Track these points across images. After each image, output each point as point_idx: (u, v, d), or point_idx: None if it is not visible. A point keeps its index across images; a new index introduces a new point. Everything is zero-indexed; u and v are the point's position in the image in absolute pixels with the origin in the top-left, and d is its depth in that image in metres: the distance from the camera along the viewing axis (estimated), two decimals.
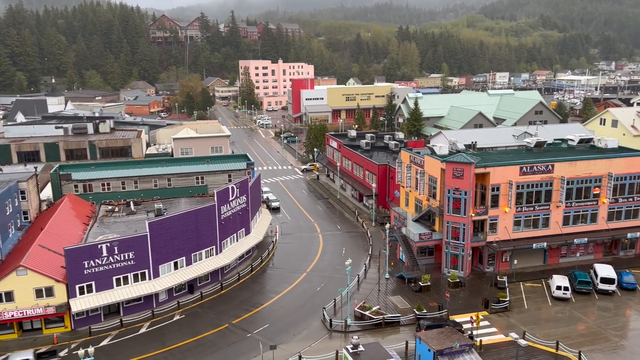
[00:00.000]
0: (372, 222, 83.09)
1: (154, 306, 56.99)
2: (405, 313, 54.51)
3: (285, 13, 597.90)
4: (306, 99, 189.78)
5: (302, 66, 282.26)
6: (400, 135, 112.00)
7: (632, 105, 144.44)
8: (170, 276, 57.48)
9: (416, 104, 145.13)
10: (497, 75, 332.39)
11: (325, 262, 69.57)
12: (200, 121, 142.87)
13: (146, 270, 55.84)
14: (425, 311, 53.89)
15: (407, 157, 71.73)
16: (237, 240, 66.64)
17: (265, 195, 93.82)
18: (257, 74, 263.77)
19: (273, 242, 76.04)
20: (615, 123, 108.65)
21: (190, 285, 60.49)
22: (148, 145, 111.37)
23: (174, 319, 55.54)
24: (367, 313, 53.56)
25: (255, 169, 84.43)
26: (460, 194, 60.45)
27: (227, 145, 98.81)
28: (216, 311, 56.83)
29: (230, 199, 64.24)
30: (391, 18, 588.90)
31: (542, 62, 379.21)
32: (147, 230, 55.27)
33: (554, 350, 47.44)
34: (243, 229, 68.06)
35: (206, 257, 61.47)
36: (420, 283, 59.84)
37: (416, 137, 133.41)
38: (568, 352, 46.97)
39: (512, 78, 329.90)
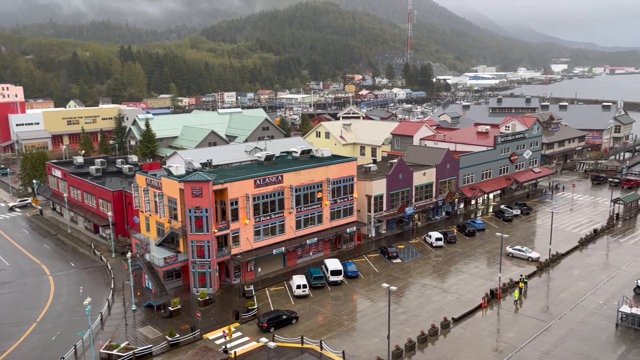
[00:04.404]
0: (112, 253, 77.47)
1: None
2: (157, 342, 52.33)
3: None
4: (17, 125, 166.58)
5: (7, 88, 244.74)
6: (134, 158, 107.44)
7: (338, 119, 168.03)
8: None
9: (147, 125, 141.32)
10: (225, 94, 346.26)
11: (59, 306, 61.91)
12: None
13: None
14: (177, 336, 52.70)
15: (143, 180, 69.25)
16: None
17: None
18: None
19: None
20: (328, 135, 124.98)
21: None
22: None
23: None
24: (114, 352, 49.58)
25: None
26: (202, 212, 61.14)
27: None
28: None
29: None
30: (111, 37, 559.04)
31: (263, 82, 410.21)
32: None
33: (300, 345, 51.77)
34: None
35: None
36: (170, 308, 58.26)
37: (151, 159, 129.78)
38: (312, 343, 51.84)
39: (239, 97, 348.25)
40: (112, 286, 66.01)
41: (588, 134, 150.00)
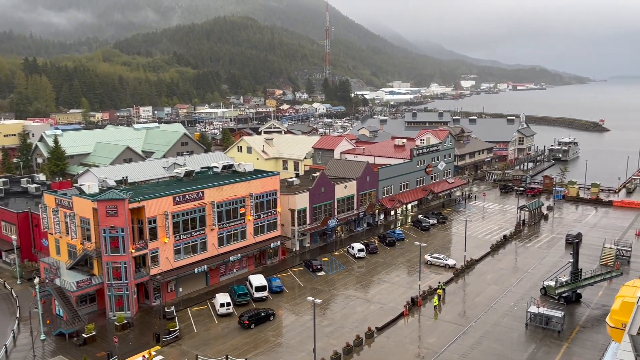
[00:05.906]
0: (18, 280, 71.91)
1: None
2: None
3: None
4: None
5: None
6: (42, 177, 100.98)
7: (260, 133, 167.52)
8: None
9: (56, 141, 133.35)
10: (141, 109, 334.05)
11: None
12: None
13: None
14: None
15: (52, 200, 65.23)
16: None
17: None
18: None
19: None
20: (250, 149, 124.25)
21: None
22: None
23: None
24: None
25: None
26: (117, 232, 58.43)
27: None
28: None
29: None
30: (13, 48, 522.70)
31: (181, 96, 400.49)
32: None
33: None
34: None
35: None
36: (83, 335, 54.91)
37: (61, 178, 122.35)
38: None
39: (156, 112, 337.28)
40: (18, 315, 61.24)
41: (495, 146, 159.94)
